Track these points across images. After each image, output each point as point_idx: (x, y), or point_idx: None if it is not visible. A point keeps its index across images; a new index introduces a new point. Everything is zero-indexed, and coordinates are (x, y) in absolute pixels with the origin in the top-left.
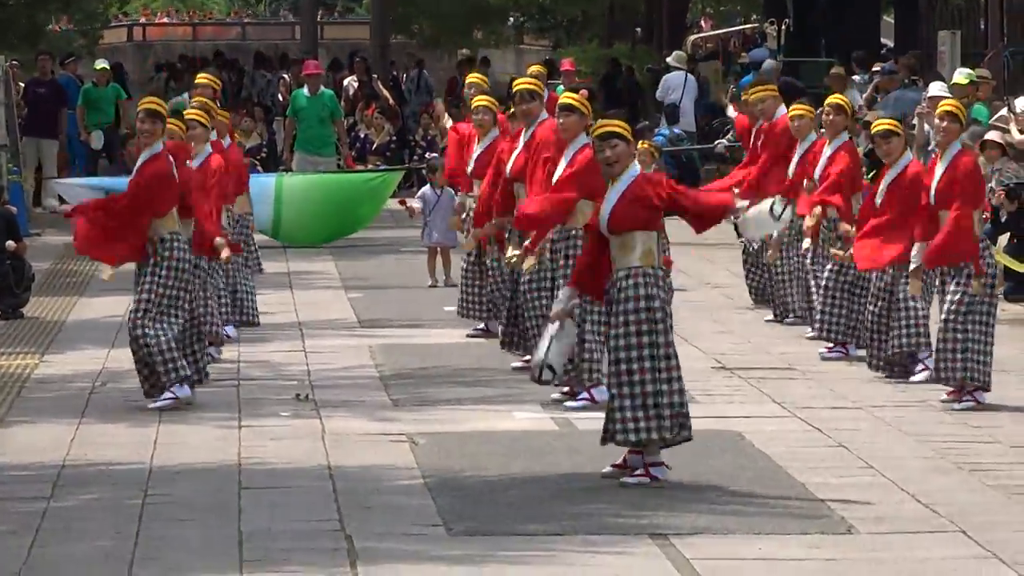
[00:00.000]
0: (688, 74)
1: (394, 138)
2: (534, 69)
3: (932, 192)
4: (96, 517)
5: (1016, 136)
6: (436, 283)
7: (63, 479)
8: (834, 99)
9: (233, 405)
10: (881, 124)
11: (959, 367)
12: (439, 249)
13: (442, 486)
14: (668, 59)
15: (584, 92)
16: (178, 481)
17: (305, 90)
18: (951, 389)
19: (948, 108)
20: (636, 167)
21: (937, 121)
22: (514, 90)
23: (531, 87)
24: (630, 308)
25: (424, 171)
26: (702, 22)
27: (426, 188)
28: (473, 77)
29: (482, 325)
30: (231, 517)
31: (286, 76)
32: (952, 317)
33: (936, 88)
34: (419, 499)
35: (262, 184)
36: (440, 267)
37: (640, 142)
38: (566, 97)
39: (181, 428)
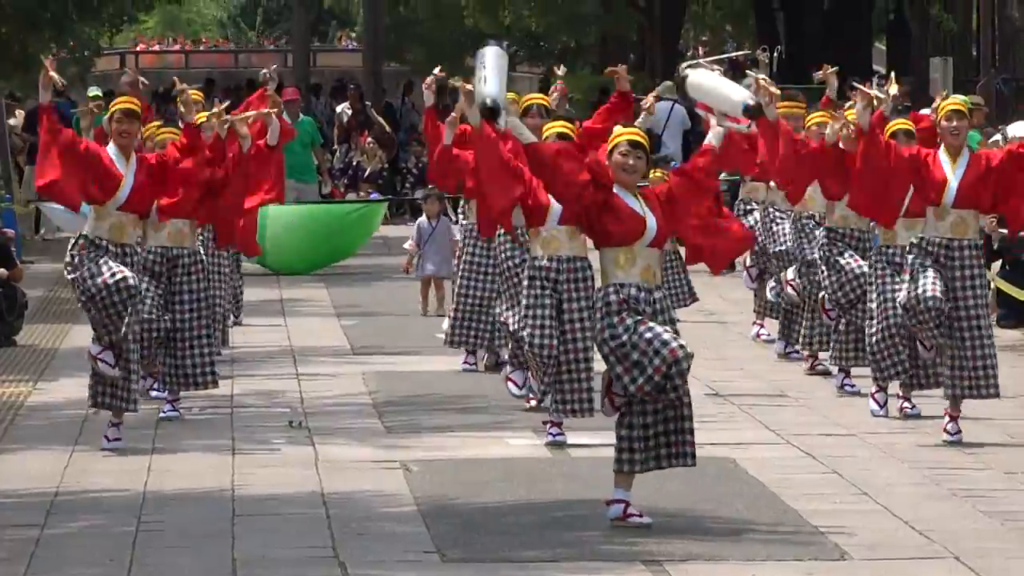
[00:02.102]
0: (675, 104)
1: (387, 166)
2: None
3: (951, 191)
4: (89, 545)
5: None
6: (428, 312)
7: (56, 507)
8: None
9: (226, 432)
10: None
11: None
12: (432, 280)
13: (436, 513)
14: (656, 90)
15: (578, 123)
16: (171, 508)
17: (285, 117)
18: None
19: (956, 107)
20: None
21: (945, 123)
22: (526, 104)
23: (544, 103)
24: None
25: (420, 202)
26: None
27: (421, 220)
28: None
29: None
30: (225, 544)
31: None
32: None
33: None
34: (413, 526)
35: None
36: (433, 297)
37: (652, 171)
38: (563, 127)
39: (174, 455)
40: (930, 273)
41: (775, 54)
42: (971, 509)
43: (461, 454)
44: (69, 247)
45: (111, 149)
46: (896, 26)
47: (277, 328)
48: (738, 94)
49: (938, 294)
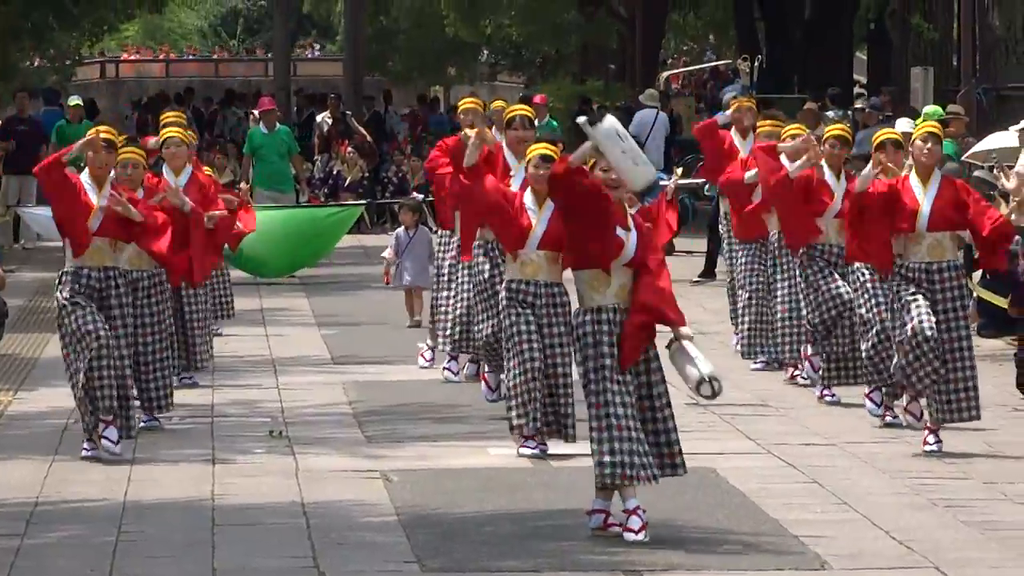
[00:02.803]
0: (659, 112)
1: (367, 175)
2: (497, 104)
3: (924, 215)
4: (69, 554)
5: (1009, 185)
6: (419, 324)
7: (37, 516)
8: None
9: (207, 442)
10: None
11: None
12: (413, 289)
13: (416, 523)
14: (640, 97)
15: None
16: (151, 518)
17: (262, 127)
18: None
19: (930, 129)
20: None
21: (920, 143)
22: (510, 115)
23: (531, 115)
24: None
25: (397, 209)
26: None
27: (399, 230)
28: (469, 103)
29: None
30: (205, 554)
31: (255, 112)
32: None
33: (903, 124)
34: (393, 536)
35: None
36: (416, 307)
37: None
38: (546, 148)
39: (155, 465)
40: (921, 302)
41: (756, 63)
42: (952, 519)
43: (441, 464)
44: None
45: (84, 177)
46: (877, 36)
47: (258, 337)
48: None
49: (934, 325)
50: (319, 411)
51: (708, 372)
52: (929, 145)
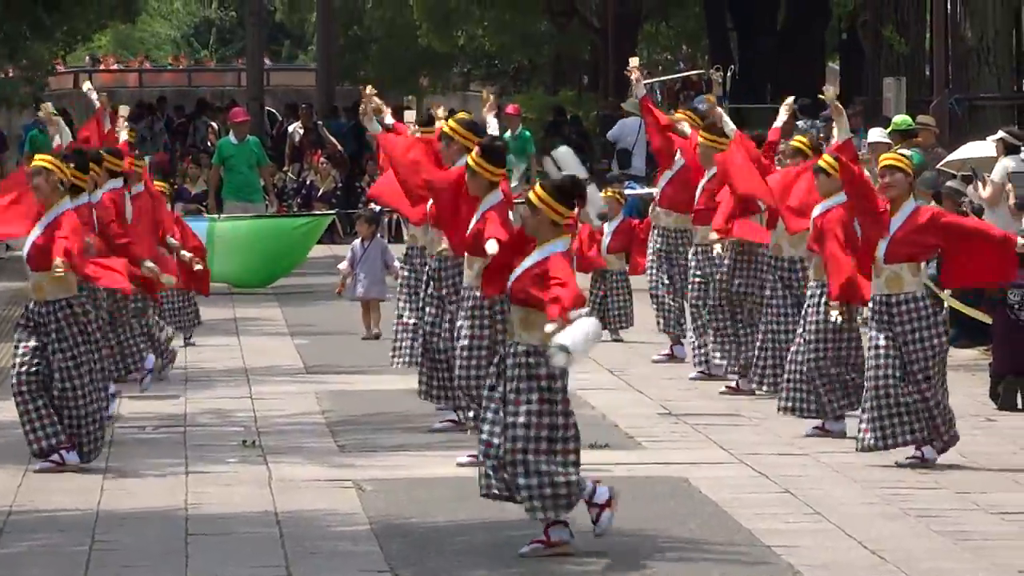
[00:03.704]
0: (642, 121)
1: (340, 185)
2: (461, 115)
3: (882, 249)
4: (43, 563)
5: (985, 194)
6: (376, 336)
7: (10, 525)
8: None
9: (180, 451)
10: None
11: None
12: (368, 302)
13: (389, 532)
14: (623, 105)
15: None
16: (125, 527)
17: (232, 137)
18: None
19: (890, 161)
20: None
21: (880, 178)
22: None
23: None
24: (532, 387)
25: (358, 219)
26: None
27: (355, 242)
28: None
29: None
30: (178, 564)
31: (213, 124)
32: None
33: (875, 134)
34: (366, 545)
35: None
36: (373, 319)
37: (605, 189)
38: (469, 157)
39: (128, 475)
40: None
41: (728, 73)
42: (924, 529)
43: (415, 473)
44: None
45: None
46: (849, 46)
47: (231, 347)
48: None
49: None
50: (292, 420)
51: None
52: (887, 179)
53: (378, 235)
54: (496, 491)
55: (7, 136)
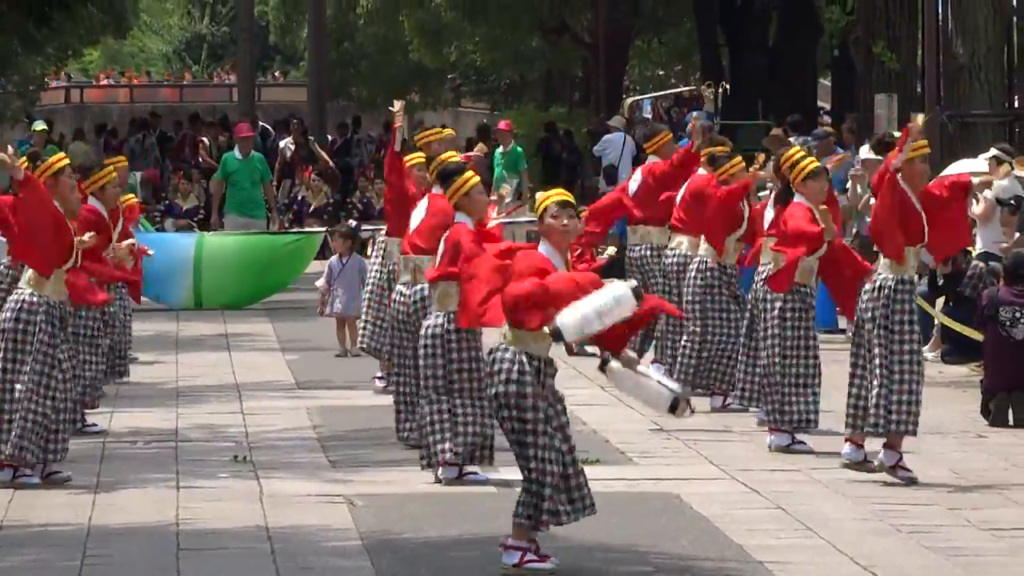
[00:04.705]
0: (626, 136)
1: (332, 200)
2: (446, 133)
3: None
4: None
5: (977, 210)
6: (347, 353)
7: (2, 540)
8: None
9: (171, 466)
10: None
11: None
12: (345, 319)
13: (380, 547)
14: (609, 122)
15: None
16: (116, 542)
17: (236, 152)
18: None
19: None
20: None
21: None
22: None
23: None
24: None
25: (335, 235)
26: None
27: (332, 258)
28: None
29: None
30: None
31: (204, 139)
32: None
33: (867, 151)
34: (357, 560)
35: (182, 248)
36: (348, 336)
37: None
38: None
39: (119, 490)
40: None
41: (720, 90)
42: (916, 545)
43: (406, 489)
44: None
45: None
46: (841, 62)
47: (222, 362)
48: (661, 399)
49: None
50: (283, 436)
51: (678, 389)
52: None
53: (355, 252)
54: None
55: None
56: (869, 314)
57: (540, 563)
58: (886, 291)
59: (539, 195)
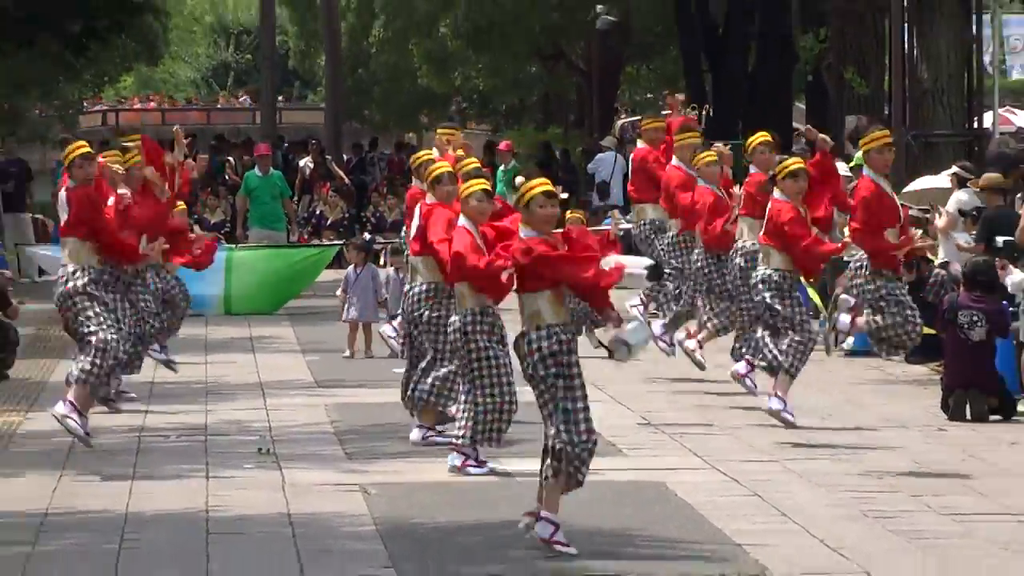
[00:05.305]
0: (617, 155)
1: (347, 215)
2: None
3: None
4: (76, 561)
5: (940, 223)
6: (354, 355)
7: (46, 526)
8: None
9: (201, 458)
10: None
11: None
12: (360, 324)
13: (393, 532)
14: (601, 142)
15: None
16: (151, 528)
17: (256, 170)
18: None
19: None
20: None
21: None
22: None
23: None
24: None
25: (349, 247)
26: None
27: (348, 269)
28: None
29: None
30: (199, 561)
31: (230, 159)
32: None
33: (839, 168)
34: (371, 544)
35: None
36: (361, 339)
37: (570, 210)
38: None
39: (154, 480)
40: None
41: (704, 112)
42: (881, 529)
43: (416, 478)
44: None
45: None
46: (814, 87)
47: (247, 363)
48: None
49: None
50: (304, 430)
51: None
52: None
53: (368, 262)
54: None
55: (34, 170)
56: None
57: (566, 547)
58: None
59: (520, 180)
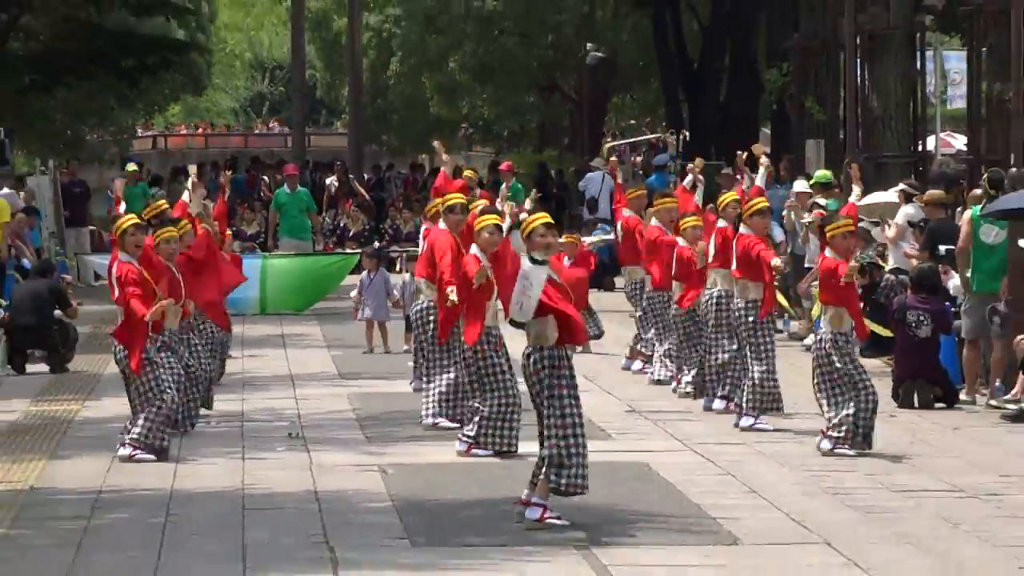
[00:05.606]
0: (604, 174)
1: (368, 227)
2: (467, 174)
3: None
4: (127, 533)
5: (890, 234)
6: (372, 350)
7: (100, 502)
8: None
9: (238, 441)
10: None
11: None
12: (375, 322)
13: (407, 507)
14: (591, 163)
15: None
16: (194, 504)
17: (286, 187)
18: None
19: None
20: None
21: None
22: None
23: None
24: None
25: (363, 255)
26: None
27: (363, 274)
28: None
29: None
30: (237, 533)
31: (265, 178)
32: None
33: (799, 185)
34: (388, 517)
35: (251, 267)
36: (378, 337)
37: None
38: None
39: (196, 461)
40: None
41: (680, 136)
42: (839, 503)
43: (428, 459)
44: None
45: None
46: (779, 114)
47: (279, 358)
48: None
49: None
50: (329, 417)
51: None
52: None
53: (381, 268)
54: None
55: (91, 188)
56: None
57: (558, 520)
58: None
59: (523, 216)
